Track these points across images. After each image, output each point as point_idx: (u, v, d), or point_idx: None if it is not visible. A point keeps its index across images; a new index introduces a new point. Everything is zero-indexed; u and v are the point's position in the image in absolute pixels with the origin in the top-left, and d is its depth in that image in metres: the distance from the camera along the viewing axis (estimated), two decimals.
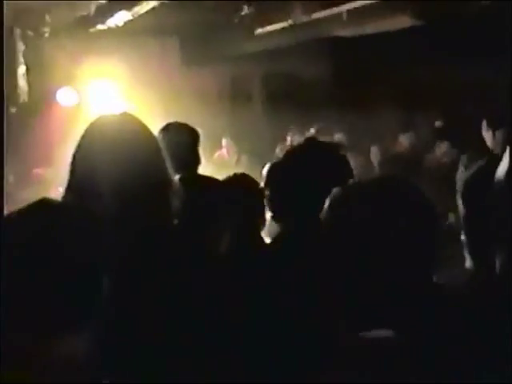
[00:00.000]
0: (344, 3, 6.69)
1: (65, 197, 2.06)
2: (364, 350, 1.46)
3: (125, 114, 2.20)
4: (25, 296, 1.61)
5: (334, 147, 2.74)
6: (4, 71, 7.20)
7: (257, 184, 3.30)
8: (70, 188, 2.07)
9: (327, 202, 1.55)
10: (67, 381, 1.60)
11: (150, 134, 2.15)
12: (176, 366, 1.92)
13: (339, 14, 6.84)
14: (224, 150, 7.54)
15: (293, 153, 2.61)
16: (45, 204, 1.66)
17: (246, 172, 3.81)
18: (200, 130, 5.72)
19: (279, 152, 6.79)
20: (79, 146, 2.08)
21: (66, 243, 1.61)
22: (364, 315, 1.50)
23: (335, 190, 1.56)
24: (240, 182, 3.33)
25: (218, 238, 3.05)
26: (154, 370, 1.92)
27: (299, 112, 7.19)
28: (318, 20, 6.99)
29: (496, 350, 1.50)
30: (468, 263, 2.00)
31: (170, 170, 2.13)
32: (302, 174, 2.41)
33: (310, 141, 3.06)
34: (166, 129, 3.37)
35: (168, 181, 2.12)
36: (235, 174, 3.46)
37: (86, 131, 2.09)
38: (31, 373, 1.61)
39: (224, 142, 7.52)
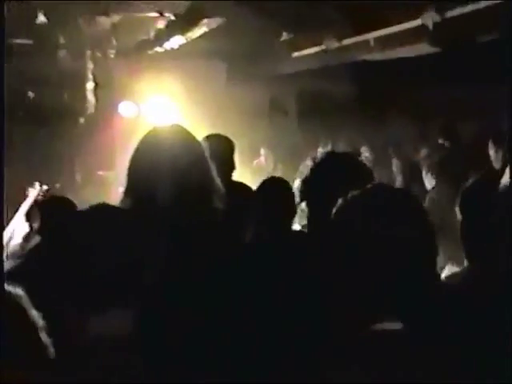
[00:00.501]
0: (371, 31, 7.06)
1: (122, 199, 2.11)
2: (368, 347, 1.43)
3: (175, 126, 2.24)
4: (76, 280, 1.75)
5: (351, 156, 2.80)
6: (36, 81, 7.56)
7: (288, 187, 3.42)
8: (126, 191, 2.11)
9: (336, 206, 1.55)
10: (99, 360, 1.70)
11: (198, 143, 2.20)
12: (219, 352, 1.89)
13: (367, 41, 7.23)
14: (262, 158, 8.09)
15: (317, 163, 2.56)
16: (103, 207, 1.79)
17: (282, 176, 4.16)
18: (241, 141, 6.25)
19: (309, 161, 7.34)
20: (135, 154, 2.14)
21: (119, 240, 1.72)
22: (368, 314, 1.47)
23: (347, 195, 1.55)
24: (273, 184, 3.47)
25: (250, 233, 3.11)
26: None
27: (329, 126, 7.61)
28: (348, 46, 7.40)
29: (496, 349, 1.51)
30: (465, 263, 2.07)
31: (215, 176, 2.16)
32: (321, 181, 2.37)
33: (330, 153, 3.35)
34: (207, 139, 3.43)
35: (213, 185, 2.14)
36: (270, 178, 3.64)
37: (141, 141, 2.15)
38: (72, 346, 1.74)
39: (262, 151, 8.06)
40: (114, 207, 2.01)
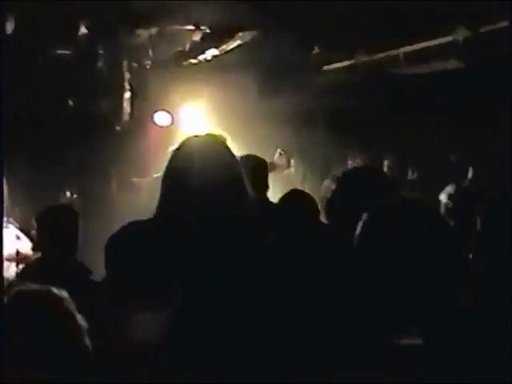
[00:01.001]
0: (401, 47, 7.24)
1: (159, 207, 2.14)
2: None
3: (209, 136, 2.28)
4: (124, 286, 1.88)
5: (374, 171, 2.99)
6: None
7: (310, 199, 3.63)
8: (161, 201, 2.15)
9: (365, 215, 1.62)
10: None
11: (231, 152, 2.22)
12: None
13: (396, 56, 7.38)
14: (292, 169, 8.10)
15: (342, 177, 2.78)
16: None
17: (310, 187, 4.24)
18: (272, 152, 6.38)
19: (336, 172, 7.45)
20: (170, 163, 2.17)
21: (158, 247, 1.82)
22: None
23: (372, 206, 1.65)
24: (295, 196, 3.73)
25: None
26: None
27: (358, 139, 7.73)
28: (378, 60, 7.58)
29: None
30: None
31: (248, 185, 2.19)
32: (345, 198, 2.49)
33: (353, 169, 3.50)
34: (242, 158, 3.38)
35: (246, 194, 2.16)
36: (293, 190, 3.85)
37: (176, 150, 2.19)
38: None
39: (292, 161, 7.98)
40: (146, 221, 2.09)
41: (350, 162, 7.86)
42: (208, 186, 2.06)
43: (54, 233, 3.75)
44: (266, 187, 4.00)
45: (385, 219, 1.59)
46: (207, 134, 2.30)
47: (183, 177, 2.08)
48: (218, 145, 2.20)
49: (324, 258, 2.38)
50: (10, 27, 5.88)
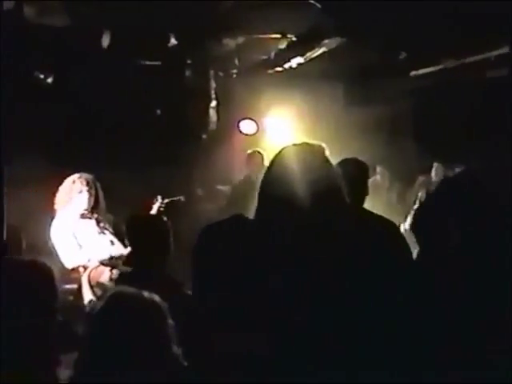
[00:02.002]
0: (491, 51, 7.07)
1: (257, 210, 2.17)
2: None
3: (307, 144, 2.29)
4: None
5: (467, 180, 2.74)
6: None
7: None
8: (259, 209, 2.17)
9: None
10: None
11: (329, 162, 2.23)
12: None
13: (487, 59, 7.20)
14: (378, 176, 8.03)
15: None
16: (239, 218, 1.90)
17: (397, 194, 4.00)
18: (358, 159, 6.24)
19: (421, 181, 7.34)
20: (269, 170, 2.19)
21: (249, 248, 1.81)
22: None
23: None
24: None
25: None
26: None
27: (445, 148, 7.44)
28: (467, 64, 7.38)
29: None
30: None
31: (345, 194, 2.18)
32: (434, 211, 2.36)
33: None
34: (342, 162, 3.36)
35: (344, 202, 2.17)
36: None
37: (275, 158, 2.21)
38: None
39: (378, 169, 8.02)
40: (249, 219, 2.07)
41: (433, 172, 7.65)
42: (305, 195, 2.07)
43: (145, 244, 3.65)
44: (365, 193, 3.72)
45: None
46: (305, 143, 2.30)
47: (281, 185, 2.11)
48: (316, 153, 2.22)
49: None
50: (105, 41, 6.10)
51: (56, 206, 5.21)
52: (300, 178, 2.10)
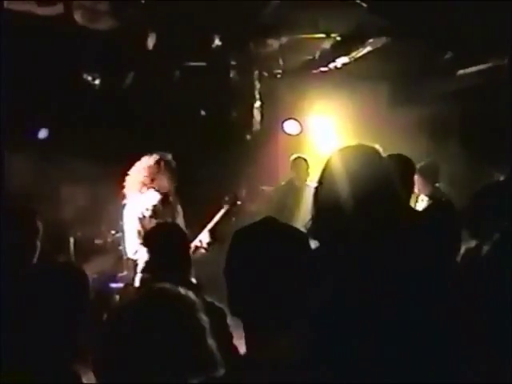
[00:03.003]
0: None
1: (313, 216, 2.19)
2: None
3: (362, 146, 2.28)
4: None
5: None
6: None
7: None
8: (316, 207, 2.20)
9: None
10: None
11: (385, 162, 2.25)
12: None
13: None
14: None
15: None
16: (269, 221, 1.77)
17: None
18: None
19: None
20: (324, 172, 2.21)
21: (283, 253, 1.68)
22: None
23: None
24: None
25: None
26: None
27: (492, 148, 7.28)
28: None
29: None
30: None
31: (400, 193, 2.22)
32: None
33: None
34: (389, 157, 3.21)
35: (400, 202, 2.22)
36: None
37: (330, 159, 2.23)
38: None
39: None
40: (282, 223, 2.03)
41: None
42: (361, 196, 2.08)
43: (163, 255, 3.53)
44: (412, 191, 3.75)
45: None
46: (360, 144, 2.29)
47: (336, 186, 2.12)
48: (371, 155, 2.22)
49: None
50: (151, 42, 6.21)
51: (126, 191, 5.11)
52: (354, 179, 2.12)
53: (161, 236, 3.63)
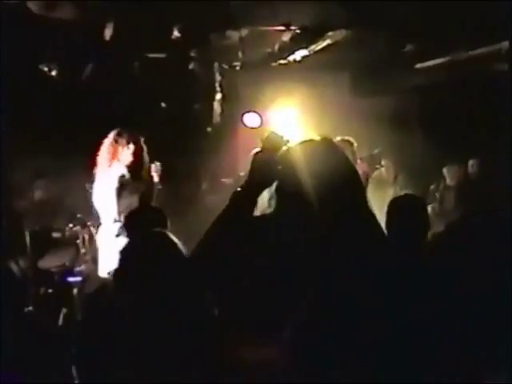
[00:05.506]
0: (501, 41, 6.95)
1: (277, 207, 2.17)
2: None
3: (325, 140, 2.25)
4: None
5: None
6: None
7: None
8: (278, 199, 2.17)
9: None
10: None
11: (345, 155, 2.25)
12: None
13: (498, 50, 7.10)
14: (382, 170, 7.94)
15: None
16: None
17: (400, 187, 4.06)
18: (363, 152, 6.26)
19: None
20: (285, 165, 2.18)
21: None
22: None
23: None
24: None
25: None
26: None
27: (453, 140, 7.45)
28: (476, 56, 7.29)
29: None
30: None
31: (361, 185, 2.25)
32: None
33: None
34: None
35: (363, 191, 2.23)
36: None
37: (289, 152, 2.20)
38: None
39: (383, 162, 7.91)
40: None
41: (445, 171, 7.68)
42: (322, 190, 2.09)
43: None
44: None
45: None
46: (323, 138, 2.26)
47: (298, 180, 2.12)
48: (332, 146, 2.23)
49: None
50: (108, 33, 6.14)
51: (96, 171, 5.08)
52: (316, 172, 2.12)
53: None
